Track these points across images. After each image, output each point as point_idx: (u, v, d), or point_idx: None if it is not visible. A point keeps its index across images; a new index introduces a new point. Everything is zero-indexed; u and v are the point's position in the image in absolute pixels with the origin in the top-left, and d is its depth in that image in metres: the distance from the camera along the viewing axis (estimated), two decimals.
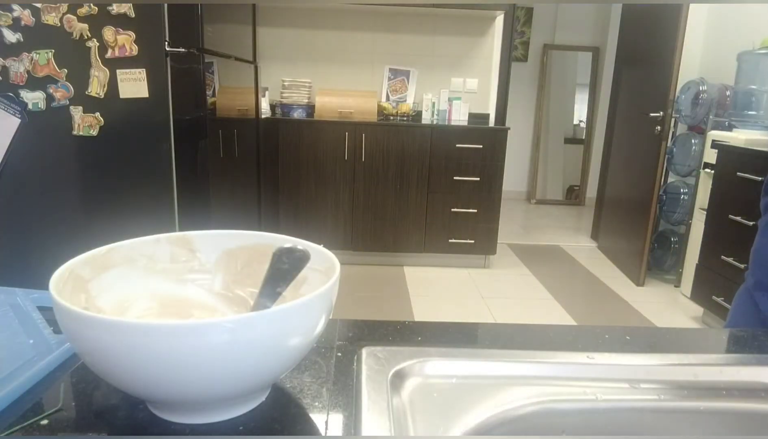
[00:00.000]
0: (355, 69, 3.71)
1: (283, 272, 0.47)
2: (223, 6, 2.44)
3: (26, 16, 1.81)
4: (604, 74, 5.37)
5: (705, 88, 3.13)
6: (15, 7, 1.80)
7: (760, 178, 2.30)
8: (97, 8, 1.81)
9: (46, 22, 1.81)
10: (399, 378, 0.51)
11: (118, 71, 1.86)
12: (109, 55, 1.85)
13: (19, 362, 0.50)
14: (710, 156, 2.80)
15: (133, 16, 1.82)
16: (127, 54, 1.85)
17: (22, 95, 1.85)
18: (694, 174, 3.17)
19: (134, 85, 1.88)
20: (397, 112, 3.52)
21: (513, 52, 4.69)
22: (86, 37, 1.83)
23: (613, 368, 0.55)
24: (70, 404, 0.46)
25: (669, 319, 2.83)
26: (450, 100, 3.58)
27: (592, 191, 5.48)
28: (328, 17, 3.61)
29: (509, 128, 3.31)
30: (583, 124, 5.73)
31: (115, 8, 1.81)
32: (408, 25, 3.64)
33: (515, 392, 0.51)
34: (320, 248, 0.52)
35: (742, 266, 2.30)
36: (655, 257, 3.45)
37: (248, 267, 0.57)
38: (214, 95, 2.27)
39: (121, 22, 1.83)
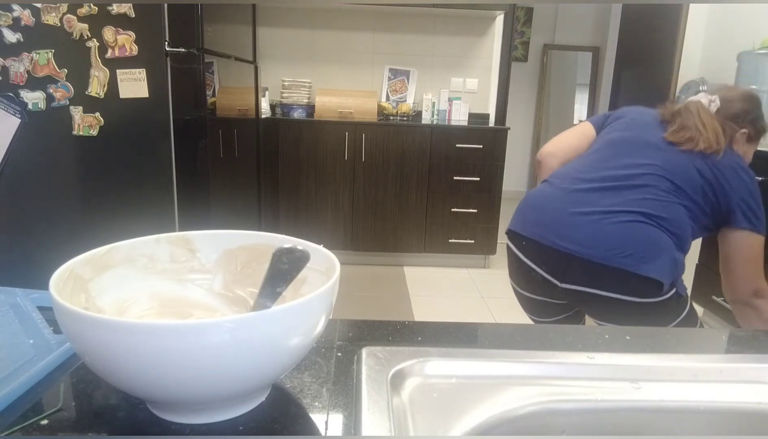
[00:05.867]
0: (355, 69, 3.71)
1: (283, 272, 0.47)
2: (223, 6, 2.43)
3: (26, 16, 1.81)
4: (604, 74, 5.37)
5: (705, 88, 3.13)
6: (15, 7, 1.79)
7: (761, 178, 2.30)
8: (97, 8, 1.81)
9: (46, 22, 1.81)
10: (399, 378, 0.51)
11: (118, 71, 1.86)
12: (109, 55, 1.85)
13: (19, 362, 0.50)
14: None
15: (133, 16, 1.82)
16: (127, 54, 1.85)
17: (22, 95, 1.85)
18: None
19: (134, 85, 1.88)
20: (397, 112, 3.52)
21: (513, 52, 4.69)
22: (86, 37, 1.83)
23: (613, 368, 0.55)
24: (70, 404, 0.46)
25: None
26: (450, 100, 3.58)
27: None
28: (328, 17, 3.61)
29: (509, 128, 3.31)
30: None
31: (115, 8, 1.81)
32: (408, 25, 3.64)
33: (515, 392, 0.51)
34: (320, 248, 0.52)
35: None
36: None
37: (248, 267, 0.57)
38: (214, 95, 2.27)
39: (121, 22, 1.83)
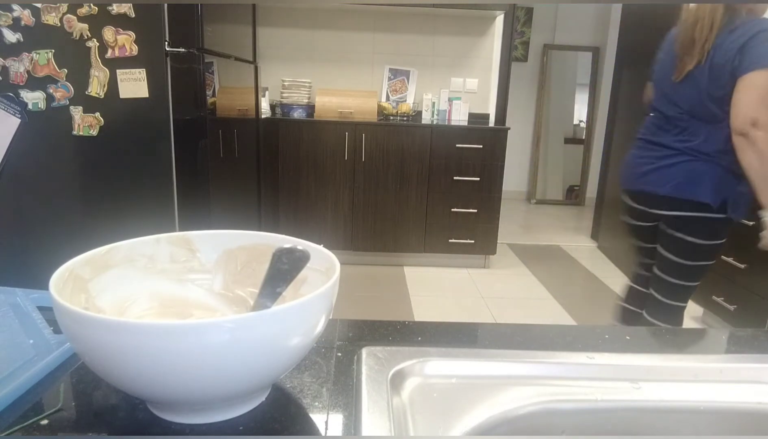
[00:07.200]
0: (355, 69, 3.71)
1: (283, 272, 0.47)
2: (223, 6, 2.43)
3: (26, 16, 1.81)
4: (604, 74, 5.37)
5: None
6: (15, 7, 1.79)
7: None
8: (97, 8, 1.81)
9: (46, 22, 1.81)
10: (399, 378, 0.51)
11: (118, 71, 1.86)
12: (109, 55, 1.85)
13: (19, 362, 0.50)
14: None
15: (133, 16, 1.82)
16: (127, 54, 1.85)
17: (22, 95, 1.85)
18: None
19: (134, 85, 1.88)
20: (397, 112, 3.52)
21: (513, 52, 4.69)
22: (86, 37, 1.83)
23: (613, 368, 0.55)
24: (70, 404, 0.46)
25: None
26: (450, 100, 3.58)
27: (592, 191, 5.47)
28: (328, 17, 3.61)
29: (509, 128, 3.31)
30: (583, 124, 5.72)
31: (115, 8, 1.81)
32: (408, 25, 3.64)
33: (515, 392, 0.51)
34: (320, 248, 0.52)
35: (742, 266, 2.30)
36: None
37: (248, 267, 0.57)
38: (214, 95, 2.27)
39: (121, 22, 1.83)
